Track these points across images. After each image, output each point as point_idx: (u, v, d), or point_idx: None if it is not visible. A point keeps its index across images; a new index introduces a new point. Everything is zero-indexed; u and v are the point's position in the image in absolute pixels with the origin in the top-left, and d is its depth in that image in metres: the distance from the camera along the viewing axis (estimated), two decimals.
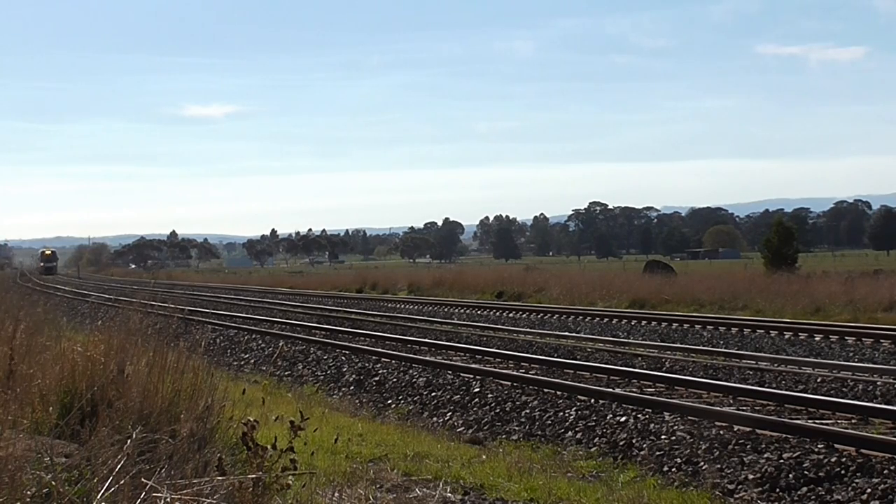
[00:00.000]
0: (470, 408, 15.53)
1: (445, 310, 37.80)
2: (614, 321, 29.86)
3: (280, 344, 24.40)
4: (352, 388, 18.71)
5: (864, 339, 22.58)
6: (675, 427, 12.40)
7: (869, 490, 9.41)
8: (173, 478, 5.76)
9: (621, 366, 18.43)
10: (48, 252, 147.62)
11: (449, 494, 9.25)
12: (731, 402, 14.23)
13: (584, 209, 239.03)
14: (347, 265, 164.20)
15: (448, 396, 16.39)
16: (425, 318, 32.97)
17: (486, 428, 14.35)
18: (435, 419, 15.42)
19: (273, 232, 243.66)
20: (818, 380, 16.47)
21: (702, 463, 11.09)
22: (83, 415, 7.27)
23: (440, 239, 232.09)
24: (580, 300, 39.51)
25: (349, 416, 15.30)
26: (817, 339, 23.23)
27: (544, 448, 12.61)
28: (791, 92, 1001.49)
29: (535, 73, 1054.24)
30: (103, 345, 8.50)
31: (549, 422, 13.91)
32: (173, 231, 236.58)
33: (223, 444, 7.53)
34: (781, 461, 10.49)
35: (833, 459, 10.33)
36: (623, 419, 13.16)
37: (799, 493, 9.80)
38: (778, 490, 9.95)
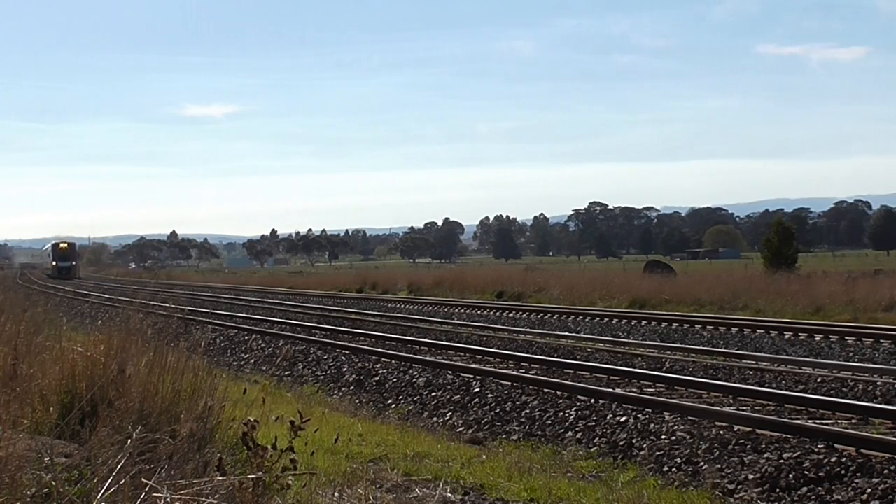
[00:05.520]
0: (470, 408, 15.53)
1: (445, 310, 37.80)
2: (614, 321, 29.86)
3: (281, 344, 24.41)
4: (352, 388, 18.71)
5: (864, 339, 22.59)
6: (675, 427, 12.40)
7: (869, 490, 9.41)
8: (173, 478, 5.76)
9: (621, 366, 18.43)
10: (64, 246, 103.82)
11: (449, 494, 9.25)
12: (731, 402, 14.22)
13: (584, 209, 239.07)
14: (347, 265, 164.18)
15: (448, 396, 16.39)
16: (425, 318, 32.98)
17: (486, 428, 14.34)
18: (435, 419, 15.41)
19: (273, 232, 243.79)
20: (818, 380, 16.47)
21: (702, 463, 11.09)
22: (83, 415, 7.27)
23: (440, 239, 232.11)
24: (580, 300, 39.52)
25: (349, 416, 15.29)
26: (817, 339, 23.23)
27: (544, 448, 12.61)
28: (791, 92, 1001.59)
29: (537, 73, 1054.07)
30: (103, 345, 8.50)
31: (549, 422, 13.91)
32: (173, 231, 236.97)
33: (223, 444, 7.53)
34: (781, 461, 10.49)
35: (833, 459, 10.33)
36: (623, 419, 13.16)
37: (799, 493, 9.80)
38: (778, 490, 9.95)
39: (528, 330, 27.51)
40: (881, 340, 22.06)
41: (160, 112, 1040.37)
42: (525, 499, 9.33)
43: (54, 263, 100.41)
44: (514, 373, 17.50)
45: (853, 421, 12.54)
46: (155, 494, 5.28)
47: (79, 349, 8.66)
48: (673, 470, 11.12)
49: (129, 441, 5.79)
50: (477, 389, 16.29)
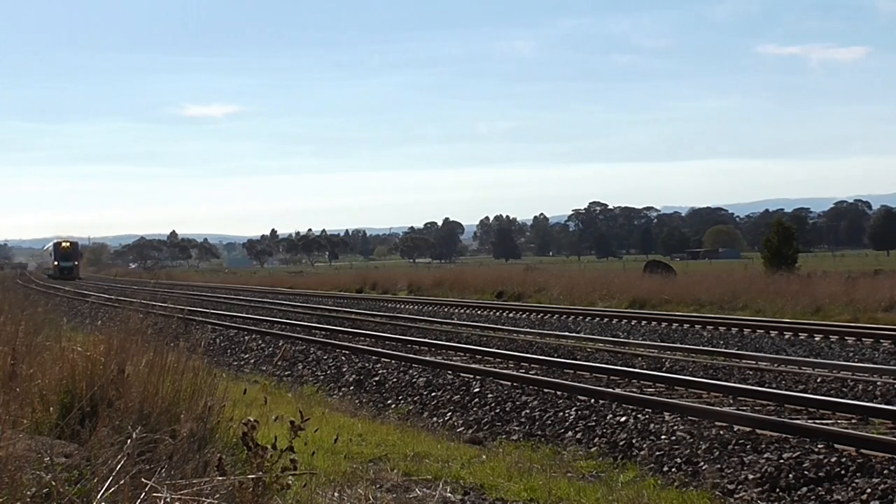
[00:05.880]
0: (470, 408, 15.53)
1: (445, 310, 37.80)
2: (614, 321, 29.86)
3: (281, 344, 24.40)
4: (352, 388, 18.71)
5: (864, 339, 22.59)
6: (675, 427, 12.40)
7: (869, 490, 9.40)
8: (173, 478, 5.76)
9: (621, 366, 18.43)
10: (66, 245, 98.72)
11: (449, 494, 9.25)
12: (731, 402, 14.22)
13: (584, 209, 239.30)
14: (347, 265, 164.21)
15: (448, 396, 16.39)
16: (425, 318, 32.98)
17: (486, 428, 14.34)
18: (435, 419, 15.41)
19: (273, 232, 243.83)
20: (818, 380, 16.47)
21: (702, 463, 11.09)
22: (83, 415, 7.27)
23: (440, 239, 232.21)
24: (580, 300, 39.52)
25: (349, 416, 15.30)
26: (817, 339, 23.23)
27: (544, 448, 12.61)
28: (792, 92, 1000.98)
29: (537, 73, 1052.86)
30: (103, 345, 8.50)
31: (549, 422, 13.91)
32: (173, 231, 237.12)
33: (223, 444, 7.53)
34: (781, 461, 10.49)
35: (833, 459, 10.33)
36: (623, 419, 13.16)
37: (799, 493, 9.80)
38: (778, 490, 9.94)
39: (528, 330, 27.51)
40: (881, 340, 22.07)
41: (160, 112, 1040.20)
42: (525, 499, 9.33)
43: (56, 263, 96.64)
44: (514, 373, 17.50)
45: (853, 421, 12.54)
46: (155, 494, 5.28)
47: (79, 349, 8.66)
48: (673, 470, 11.12)
49: (129, 441, 5.79)
50: (477, 389, 16.29)
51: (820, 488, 9.77)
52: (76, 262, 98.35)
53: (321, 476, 8.34)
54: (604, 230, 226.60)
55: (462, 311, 37.07)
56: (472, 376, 17.34)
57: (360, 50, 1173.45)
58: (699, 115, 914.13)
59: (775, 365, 18.42)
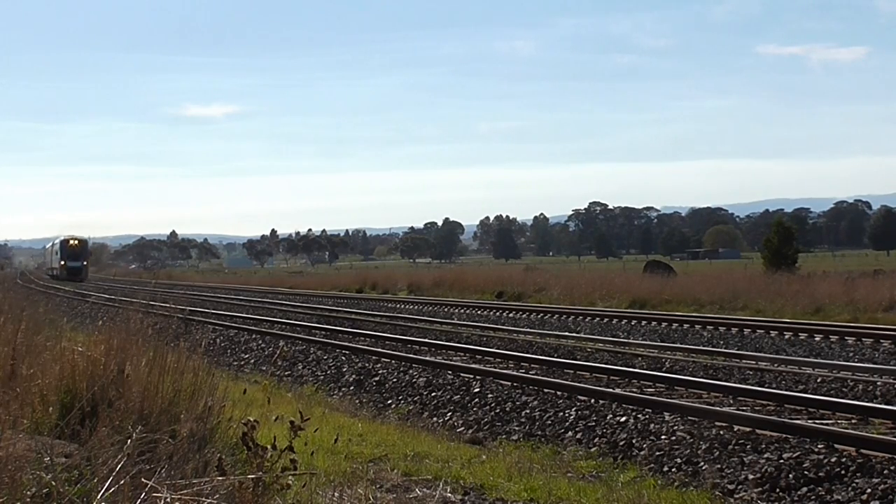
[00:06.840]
0: (470, 408, 15.53)
1: (445, 310, 37.80)
2: (614, 321, 29.86)
3: (281, 344, 24.40)
4: (352, 388, 18.71)
5: (864, 339, 22.59)
6: (675, 427, 12.40)
7: (869, 490, 9.40)
8: (173, 478, 5.76)
9: (621, 366, 18.43)
10: (74, 243, 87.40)
11: (449, 494, 9.25)
12: (731, 402, 14.22)
13: (584, 209, 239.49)
14: (347, 265, 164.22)
15: (448, 396, 16.38)
16: (425, 318, 32.97)
17: (486, 428, 14.34)
18: (435, 419, 15.41)
19: (273, 232, 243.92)
20: (818, 380, 16.47)
21: (702, 463, 11.09)
22: (83, 415, 7.27)
23: (440, 239, 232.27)
24: (580, 300, 39.52)
25: (349, 416, 15.29)
26: (817, 339, 23.23)
27: (544, 448, 12.61)
28: (792, 92, 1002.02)
29: (537, 73, 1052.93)
30: (103, 345, 8.49)
31: (549, 422, 13.91)
32: (173, 231, 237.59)
33: (223, 444, 7.53)
34: (781, 461, 10.49)
35: (833, 459, 10.32)
36: (623, 419, 13.16)
37: (799, 493, 9.80)
38: (778, 490, 9.94)
39: (528, 330, 27.50)
40: (881, 340, 22.07)
41: (160, 112, 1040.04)
42: (525, 499, 9.32)
43: (63, 263, 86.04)
44: (514, 373, 17.49)
45: (853, 421, 12.54)
46: (155, 494, 5.28)
47: (79, 349, 8.66)
48: (673, 470, 11.12)
49: (129, 441, 5.79)
50: (477, 389, 16.29)
51: (820, 488, 9.77)
52: (85, 262, 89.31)
53: (321, 476, 8.34)
54: (604, 230, 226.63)
55: (462, 311, 37.07)
56: (472, 376, 17.33)
57: (360, 50, 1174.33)
58: (699, 115, 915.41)
59: (775, 365, 18.42)
